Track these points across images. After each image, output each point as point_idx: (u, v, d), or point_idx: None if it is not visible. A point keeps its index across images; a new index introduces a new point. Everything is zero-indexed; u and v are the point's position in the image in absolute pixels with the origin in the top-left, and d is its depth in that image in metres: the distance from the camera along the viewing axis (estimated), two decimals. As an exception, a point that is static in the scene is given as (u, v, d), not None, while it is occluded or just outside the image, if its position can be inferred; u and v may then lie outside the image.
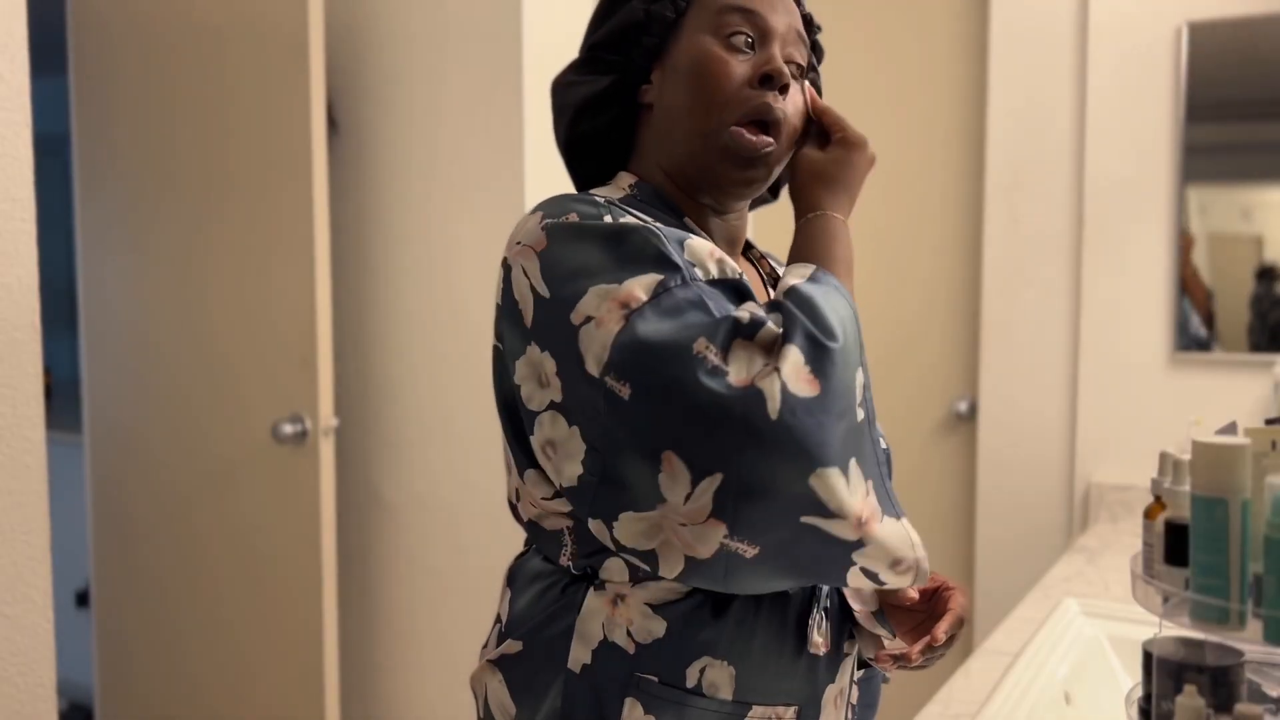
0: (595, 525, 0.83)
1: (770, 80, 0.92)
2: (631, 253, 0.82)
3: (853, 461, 0.78)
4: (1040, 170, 2.33)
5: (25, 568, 1.46)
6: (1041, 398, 2.34)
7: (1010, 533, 2.37)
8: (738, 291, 0.85)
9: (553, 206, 0.88)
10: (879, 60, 2.59)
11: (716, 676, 0.88)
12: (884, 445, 0.93)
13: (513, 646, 0.94)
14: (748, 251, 1.10)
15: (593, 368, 0.80)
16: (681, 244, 0.86)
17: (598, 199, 0.89)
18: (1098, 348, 2.28)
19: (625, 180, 0.99)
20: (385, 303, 2.40)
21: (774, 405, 0.75)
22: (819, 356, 0.78)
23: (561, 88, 1.02)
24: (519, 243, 0.88)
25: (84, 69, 2.53)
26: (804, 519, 0.77)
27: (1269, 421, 0.90)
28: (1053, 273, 2.33)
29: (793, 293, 0.82)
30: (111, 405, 2.55)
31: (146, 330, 2.46)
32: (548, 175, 2.22)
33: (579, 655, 0.89)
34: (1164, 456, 0.92)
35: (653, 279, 0.81)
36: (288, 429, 2.17)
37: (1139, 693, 0.95)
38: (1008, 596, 2.21)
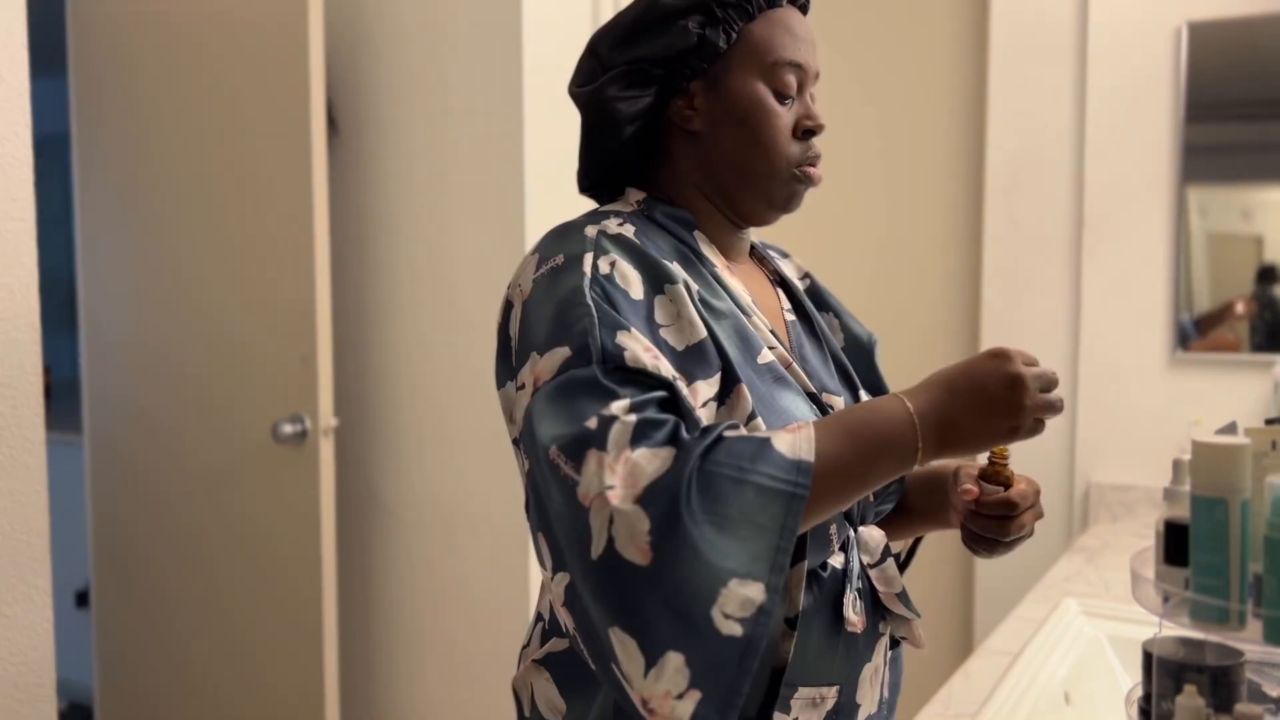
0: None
1: (811, 133, 1.00)
2: (565, 324, 0.85)
3: (674, 657, 0.74)
4: (1040, 170, 2.33)
5: (25, 568, 1.46)
6: (1041, 398, 2.34)
7: (1010, 533, 2.36)
8: (648, 385, 0.82)
9: (547, 247, 0.93)
10: (879, 60, 2.59)
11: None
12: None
13: (559, 644, 0.96)
14: (752, 253, 1.12)
15: (514, 431, 0.90)
16: (650, 307, 0.88)
17: (590, 235, 0.92)
18: (1098, 348, 2.28)
19: (634, 196, 1.03)
20: (385, 302, 2.40)
21: (597, 548, 0.76)
22: (667, 535, 0.74)
23: (598, 99, 1.00)
24: (518, 285, 0.94)
25: (84, 69, 2.53)
26: (611, 666, 0.78)
27: (1269, 421, 0.90)
28: (1053, 273, 2.32)
29: (715, 441, 0.78)
30: (111, 405, 2.55)
31: (146, 330, 2.46)
32: (547, 175, 2.22)
33: None
34: (1178, 464, 0.91)
35: (561, 356, 0.84)
36: (288, 429, 2.17)
37: (1139, 693, 0.95)
38: (1008, 596, 2.21)
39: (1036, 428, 0.84)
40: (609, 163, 1.04)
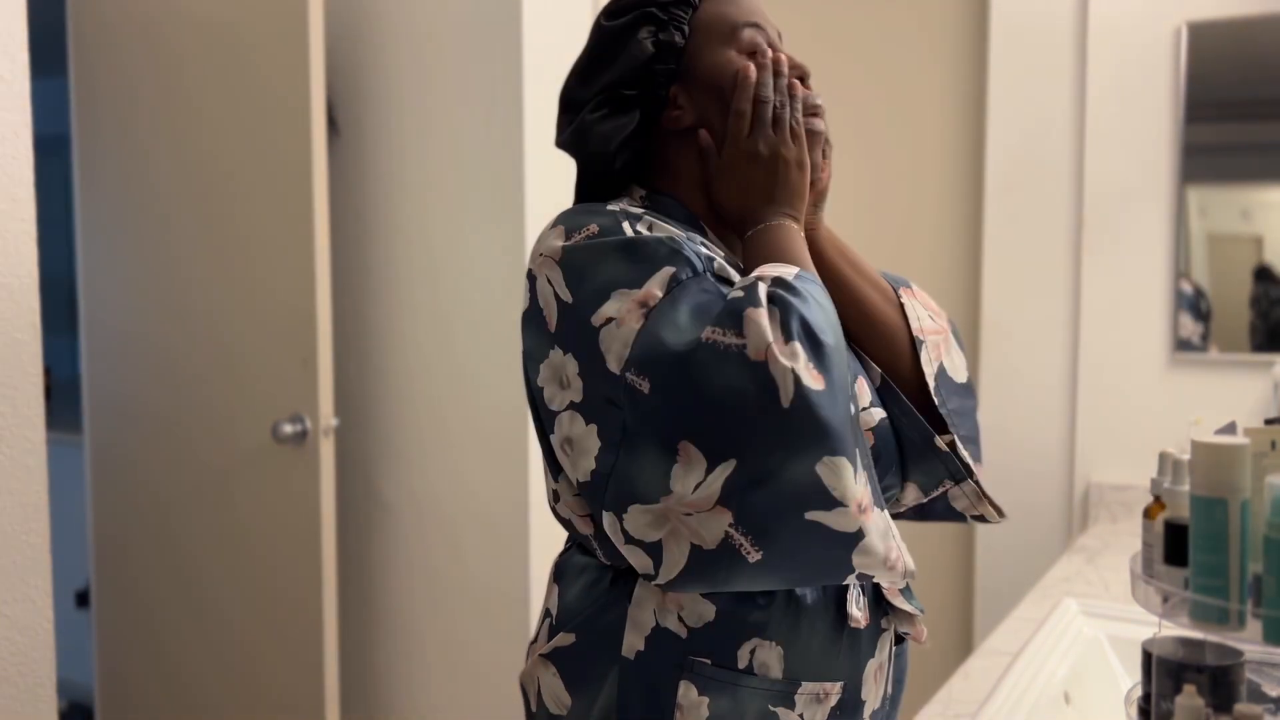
0: (607, 519, 0.86)
1: (803, 79, 1.01)
2: (648, 255, 0.88)
3: (856, 452, 0.82)
4: (1040, 170, 2.33)
5: (25, 568, 1.46)
6: (1041, 398, 2.34)
7: (1010, 533, 2.37)
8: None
9: (572, 219, 0.93)
10: (878, 60, 2.59)
11: (766, 656, 0.92)
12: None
13: (566, 639, 0.98)
14: None
15: (614, 365, 0.85)
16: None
17: (614, 210, 0.93)
18: (1097, 348, 2.28)
19: (637, 192, 1.03)
20: (385, 303, 2.40)
21: (786, 395, 0.79)
22: (819, 352, 0.82)
23: (585, 135, 1.01)
24: (542, 254, 0.93)
25: (84, 69, 2.53)
26: (809, 515, 0.80)
27: (1269, 421, 0.90)
28: (1053, 273, 2.32)
29: (783, 285, 0.86)
30: (111, 405, 2.55)
31: (146, 330, 2.46)
32: (548, 175, 2.22)
33: (633, 642, 0.93)
34: (1164, 456, 0.92)
35: (667, 274, 0.87)
36: (288, 429, 2.17)
37: (1139, 693, 0.95)
38: (1008, 596, 2.21)
39: (798, 142, 0.98)
40: (608, 192, 1.05)
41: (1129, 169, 2.23)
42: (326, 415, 2.18)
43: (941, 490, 1.02)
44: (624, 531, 0.84)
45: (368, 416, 2.44)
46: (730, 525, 0.81)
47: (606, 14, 1.02)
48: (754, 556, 0.81)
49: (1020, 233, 2.35)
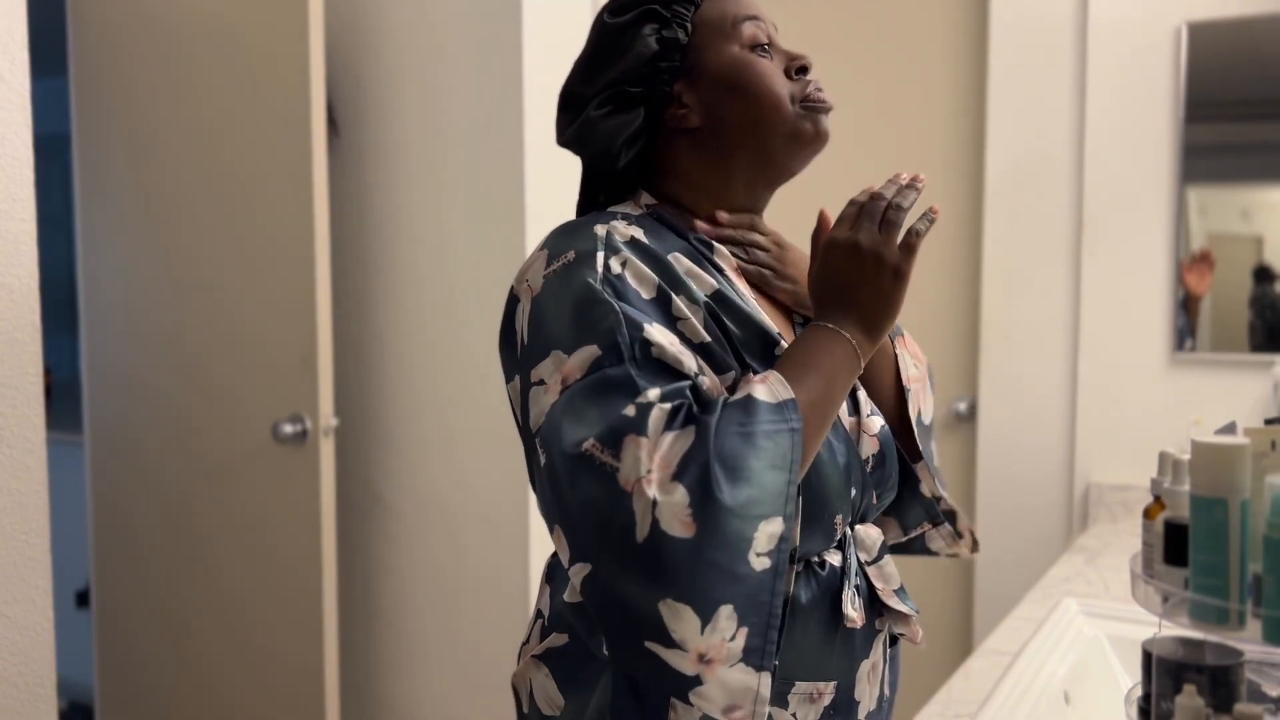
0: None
1: (805, 70, 1.01)
2: (591, 323, 0.87)
3: (724, 609, 0.79)
4: (1040, 170, 2.33)
5: (25, 568, 1.46)
6: (1041, 398, 2.34)
7: (1010, 533, 2.37)
8: (676, 376, 0.86)
9: (556, 243, 0.94)
10: (879, 60, 2.59)
11: None
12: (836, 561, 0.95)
13: (558, 640, 0.98)
14: None
15: (533, 424, 0.88)
16: (668, 303, 0.90)
17: (599, 233, 0.92)
18: (1098, 348, 2.28)
19: (642, 199, 1.03)
20: (385, 303, 2.40)
21: (642, 531, 0.79)
22: (705, 503, 0.79)
23: (589, 132, 1.00)
24: (526, 281, 0.94)
25: (84, 69, 2.53)
26: (647, 644, 0.81)
27: (1269, 421, 0.90)
28: (1053, 273, 2.32)
29: (736, 414, 0.83)
30: (111, 405, 2.55)
31: (146, 330, 2.46)
32: (548, 175, 2.22)
33: None
34: (1164, 456, 0.92)
35: (592, 355, 0.85)
36: (288, 429, 2.17)
37: (1139, 693, 0.95)
38: (1008, 596, 2.21)
39: (906, 252, 0.91)
40: (612, 191, 1.05)
41: (1129, 169, 2.23)
42: (326, 415, 2.18)
43: (920, 531, 1.09)
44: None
45: (368, 416, 2.44)
46: (595, 614, 0.84)
47: (609, 10, 1.02)
48: (605, 650, 0.86)
49: (1020, 233, 2.35)
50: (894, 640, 1.05)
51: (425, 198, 2.32)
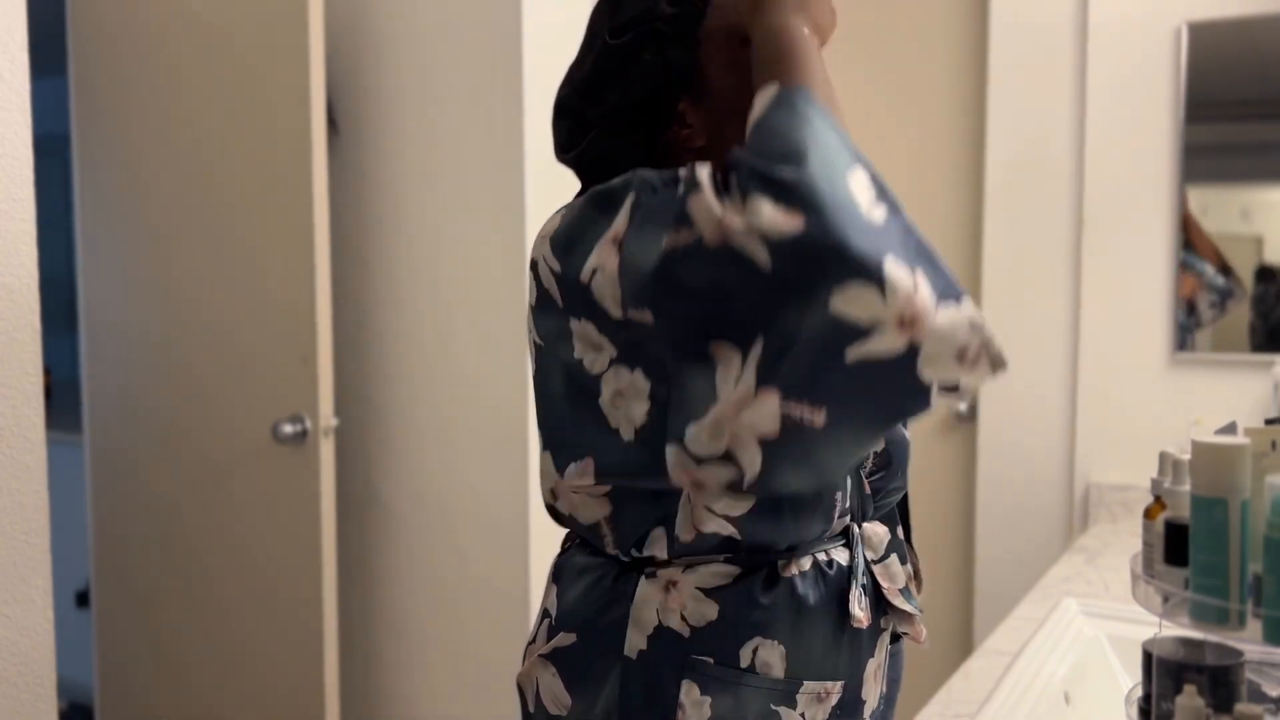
0: (671, 452, 0.82)
1: None
2: (616, 199, 0.87)
3: (888, 259, 0.74)
4: (1040, 170, 2.33)
5: (25, 568, 1.46)
6: (1041, 398, 2.34)
7: (1010, 533, 2.37)
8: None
9: (575, 206, 0.94)
10: (879, 60, 2.59)
11: (769, 655, 0.92)
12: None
13: (566, 639, 0.98)
14: None
15: (616, 311, 0.85)
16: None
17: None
18: (1098, 348, 2.28)
19: None
20: (385, 302, 2.40)
21: (762, 259, 0.74)
22: (782, 191, 0.75)
23: (595, 154, 0.99)
24: (539, 237, 0.94)
25: (84, 69, 2.53)
26: (849, 354, 0.75)
27: (1269, 421, 0.90)
28: (1053, 273, 2.32)
29: (754, 133, 0.81)
30: (111, 405, 2.55)
31: (146, 330, 2.46)
32: (548, 175, 2.22)
33: (635, 642, 0.93)
34: (1164, 456, 0.92)
35: (630, 203, 0.85)
36: (288, 429, 2.17)
37: (1139, 693, 0.95)
38: (1008, 596, 2.21)
39: None
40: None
41: (1129, 169, 2.23)
42: (326, 415, 2.18)
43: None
44: (692, 456, 0.80)
45: (368, 416, 2.44)
46: (781, 402, 0.76)
47: (610, 31, 0.99)
48: (819, 420, 0.77)
49: (1020, 233, 2.35)
50: (895, 639, 1.05)
51: (425, 198, 2.32)
